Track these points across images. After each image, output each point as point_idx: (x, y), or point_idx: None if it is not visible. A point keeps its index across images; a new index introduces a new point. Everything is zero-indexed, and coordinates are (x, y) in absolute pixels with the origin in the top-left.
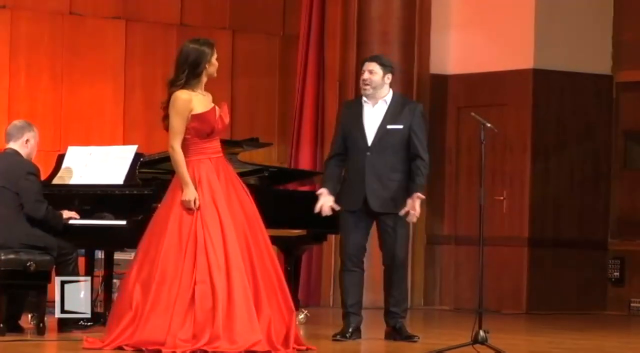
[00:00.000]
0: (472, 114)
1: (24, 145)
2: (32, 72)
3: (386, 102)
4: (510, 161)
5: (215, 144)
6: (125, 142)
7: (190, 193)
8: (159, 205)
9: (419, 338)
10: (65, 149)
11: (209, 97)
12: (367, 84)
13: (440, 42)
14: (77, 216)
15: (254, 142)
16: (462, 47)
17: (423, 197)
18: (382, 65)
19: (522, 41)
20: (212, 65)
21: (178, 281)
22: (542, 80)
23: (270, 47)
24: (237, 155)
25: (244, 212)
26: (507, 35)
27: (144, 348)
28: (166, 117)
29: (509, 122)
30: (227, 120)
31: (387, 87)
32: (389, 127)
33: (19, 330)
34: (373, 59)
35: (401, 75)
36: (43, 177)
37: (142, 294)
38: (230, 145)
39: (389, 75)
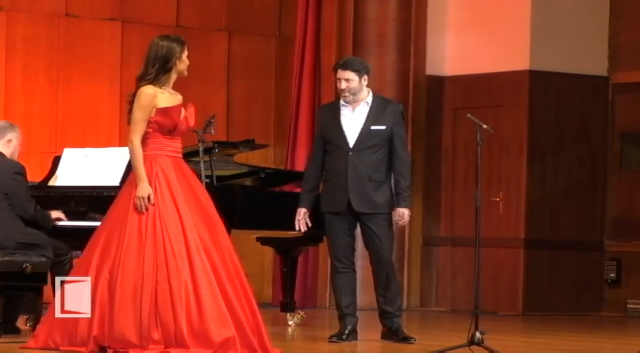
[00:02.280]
0: (468, 115)
1: (7, 145)
2: (28, 74)
3: (368, 104)
4: (506, 162)
5: (177, 144)
6: (122, 144)
7: (144, 190)
8: (115, 198)
9: (415, 340)
10: (61, 151)
11: (178, 96)
12: (347, 93)
13: (437, 44)
14: (64, 217)
15: (250, 144)
16: (458, 48)
17: (409, 214)
18: (356, 71)
19: (518, 42)
20: (182, 62)
21: (141, 280)
22: (538, 82)
23: (266, 49)
24: (233, 157)
25: (203, 208)
26: (503, 37)
27: (112, 349)
28: (130, 111)
29: (505, 124)
30: (192, 122)
31: (365, 89)
32: (372, 127)
33: (15, 331)
34: (345, 66)
35: (397, 76)
36: (39, 178)
37: (108, 294)
38: (226, 147)
39: (365, 77)
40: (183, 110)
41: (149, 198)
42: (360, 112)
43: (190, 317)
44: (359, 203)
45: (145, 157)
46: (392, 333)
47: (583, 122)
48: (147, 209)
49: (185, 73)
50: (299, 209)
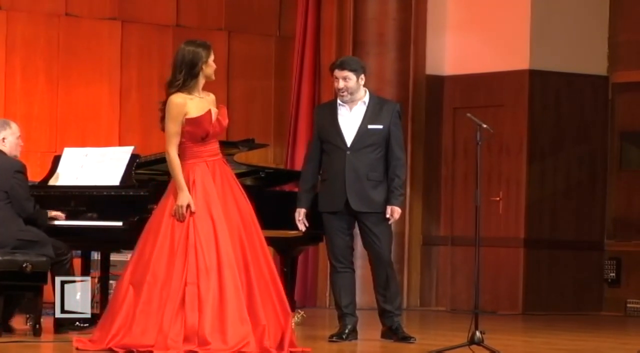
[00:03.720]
0: (468, 115)
1: (2, 143)
2: (28, 74)
3: (365, 103)
4: (506, 162)
5: (212, 147)
6: (121, 144)
7: (184, 199)
8: (156, 207)
9: (415, 339)
10: (61, 150)
11: (209, 98)
12: (344, 92)
13: (436, 43)
14: (62, 216)
15: (250, 143)
16: (458, 48)
17: (400, 211)
18: (353, 70)
19: (518, 42)
20: (209, 67)
21: (169, 283)
22: (538, 82)
23: (266, 49)
24: (233, 156)
25: (240, 214)
26: (503, 36)
27: (134, 350)
28: (163, 119)
29: (505, 123)
30: (225, 122)
31: (362, 88)
32: (369, 127)
33: (9, 330)
34: (342, 66)
35: (397, 76)
36: (39, 178)
37: (134, 296)
38: (226, 146)
39: (362, 76)
40: (215, 112)
41: (189, 206)
42: (358, 112)
43: (211, 323)
44: (357, 202)
45: (183, 167)
46: (392, 332)
47: (583, 122)
48: (184, 218)
49: (213, 77)
50: (298, 210)
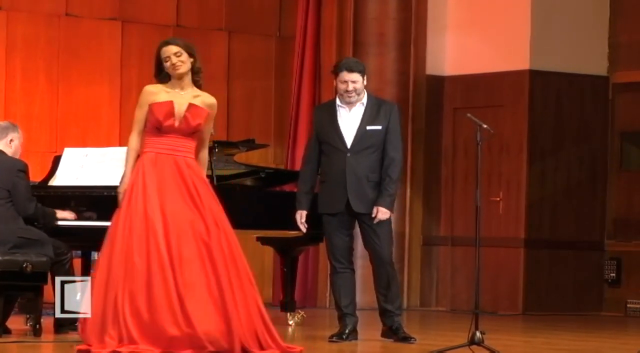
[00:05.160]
0: (469, 115)
1: (8, 145)
2: (28, 74)
3: (363, 104)
4: (506, 162)
5: (169, 141)
6: (122, 144)
7: (121, 186)
8: None
9: (415, 339)
10: (62, 151)
11: (188, 96)
12: (353, 94)
13: (437, 43)
14: (72, 216)
15: (250, 144)
16: (458, 48)
17: (385, 212)
18: (361, 72)
19: (518, 42)
20: (167, 63)
21: (106, 278)
22: (538, 82)
23: (266, 49)
24: (233, 157)
25: (200, 213)
26: (503, 36)
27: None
28: None
29: (505, 123)
30: (194, 122)
31: (364, 89)
32: (368, 128)
33: (6, 331)
34: (352, 68)
35: (397, 76)
36: (39, 178)
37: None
38: (226, 146)
39: (365, 77)
40: (184, 108)
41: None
42: (356, 113)
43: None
44: (357, 203)
45: (139, 156)
46: (392, 332)
47: (583, 122)
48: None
49: (175, 73)
50: (299, 212)
